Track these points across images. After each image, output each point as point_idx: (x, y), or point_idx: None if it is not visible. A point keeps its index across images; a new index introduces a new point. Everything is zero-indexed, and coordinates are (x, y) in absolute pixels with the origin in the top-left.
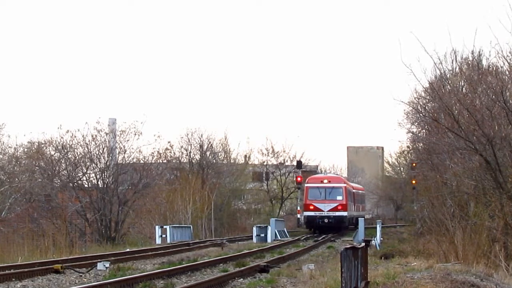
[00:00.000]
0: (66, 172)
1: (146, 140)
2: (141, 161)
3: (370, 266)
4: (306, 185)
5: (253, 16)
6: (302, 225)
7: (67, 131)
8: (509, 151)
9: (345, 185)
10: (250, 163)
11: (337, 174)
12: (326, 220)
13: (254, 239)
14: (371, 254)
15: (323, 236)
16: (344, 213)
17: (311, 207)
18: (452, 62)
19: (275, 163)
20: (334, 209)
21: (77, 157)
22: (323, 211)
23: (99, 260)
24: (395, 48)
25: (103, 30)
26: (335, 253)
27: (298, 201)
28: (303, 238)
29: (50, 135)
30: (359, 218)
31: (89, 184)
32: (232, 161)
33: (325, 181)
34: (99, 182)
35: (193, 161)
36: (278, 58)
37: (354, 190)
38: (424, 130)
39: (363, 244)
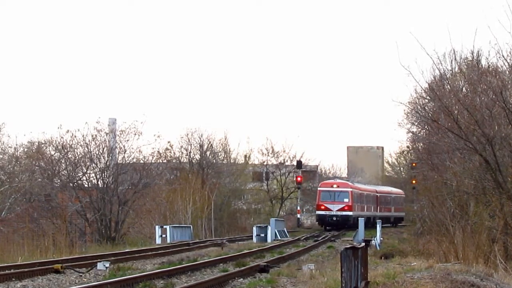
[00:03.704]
0: (66, 172)
1: (146, 140)
2: (141, 161)
3: (370, 266)
4: (318, 188)
5: (253, 16)
6: (302, 225)
7: (67, 131)
8: (509, 151)
9: (351, 189)
10: (250, 163)
11: (347, 180)
12: (334, 218)
13: (254, 239)
14: (371, 254)
15: (323, 236)
16: (350, 213)
17: (322, 207)
18: (452, 62)
19: (275, 163)
20: (341, 209)
21: (77, 157)
22: (332, 210)
23: (99, 260)
24: (395, 48)
25: (103, 30)
26: (335, 253)
27: (298, 201)
28: (303, 238)
29: (50, 135)
30: (359, 218)
31: (89, 184)
32: (232, 161)
33: (335, 186)
34: (99, 182)
35: (193, 161)
36: (278, 58)
37: (378, 194)
38: (424, 130)
39: (363, 244)
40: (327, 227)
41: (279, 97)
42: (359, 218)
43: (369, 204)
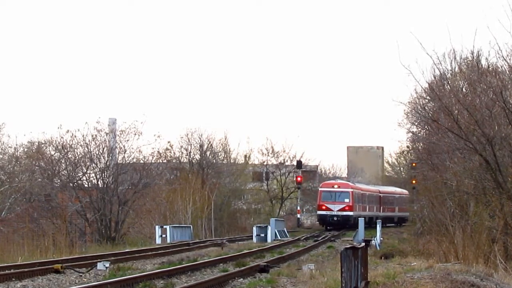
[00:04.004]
0: (66, 172)
1: (146, 140)
2: (141, 161)
3: (370, 266)
4: (320, 189)
5: (253, 16)
6: (302, 225)
7: (67, 131)
8: (508, 151)
9: (352, 190)
10: (250, 163)
11: (348, 181)
12: (335, 218)
13: (254, 239)
14: (371, 254)
15: (323, 236)
16: (350, 213)
17: (323, 207)
18: (451, 62)
19: (275, 163)
20: (342, 209)
21: (77, 157)
22: (333, 210)
23: (99, 260)
24: (395, 48)
25: (103, 30)
26: (335, 253)
27: (298, 201)
28: (303, 238)
29: (50, 135)
30: (359, 218)
31: (89, 184)
32: (232, 161)
33: (336, 186)
34: (99, 182)
35: (193, 161)
36: (278, 58)
37: (381, 194)
38: (424, 130)
39: (363, 244)
40: (328, 227)
41: (279, 97)
42: (359, 218)
43: (371, 204)
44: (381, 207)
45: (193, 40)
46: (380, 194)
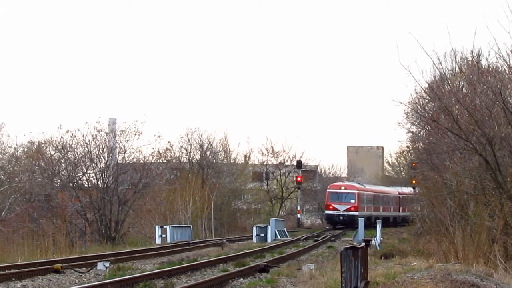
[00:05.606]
0: (66, 172)
1: (146, 140)
2: (141, 161)
3: (370, 266)
4: (327, 190)
5: (253, 16)
6: (302, 225)
7: (67, 131)
8: (508, 151)
9: (358, 191)
10: (250, 163)
11: (359, 183)
12: (341, 218)
13: (254, 239)
14: (371, 254)
15: (323, 236)
16: (356, 213)
17: (331, 207)
18: (452, 62)
19: (275, 163)
20: (348, 209)
21: (77, 157)
22: (339, 210)
23: (99, 260)
24: (394, 48)
25: (103, 30)
26: (335, 253)
27: (298, 201)
28: (303, 238)
29: (50, 135)
30: (359, 218)
31: (89, 184)
32: (232, 161)
33: (342, 188)
34: (99, 182)
35: (193, 161)
36: (278, 58)
37: (400, 196)
38: (424, 130)
39: (363, 244)
40: (336, 226)
41: (279, 97)
42: (359, 218)
43: (387, 205)
44: (401, 207)
45: (193, 40)
46: (399, 196)
